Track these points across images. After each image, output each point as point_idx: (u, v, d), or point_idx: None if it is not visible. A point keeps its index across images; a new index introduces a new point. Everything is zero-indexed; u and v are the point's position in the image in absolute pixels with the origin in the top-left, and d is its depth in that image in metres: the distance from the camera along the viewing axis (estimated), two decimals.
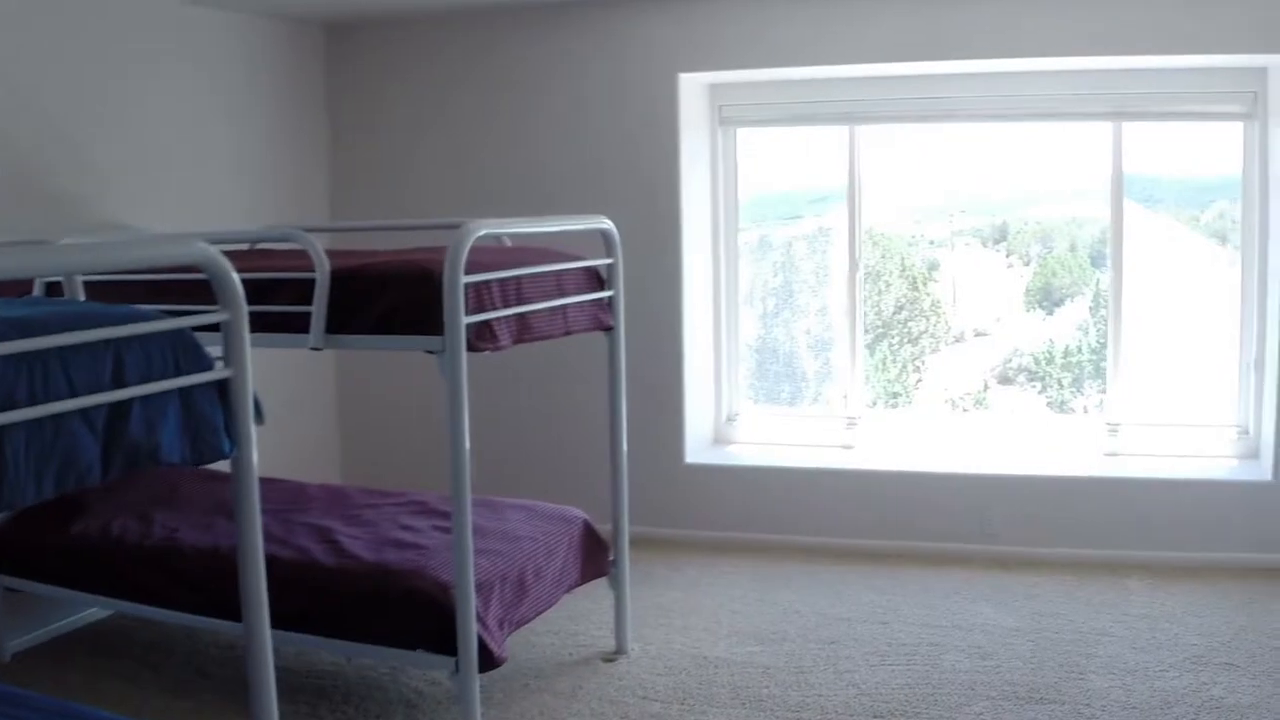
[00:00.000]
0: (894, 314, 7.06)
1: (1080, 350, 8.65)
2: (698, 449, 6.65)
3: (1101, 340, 6.77)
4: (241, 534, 2.50)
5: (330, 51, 6.78)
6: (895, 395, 7.04)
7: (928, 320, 7.23)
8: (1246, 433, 6.15)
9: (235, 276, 2.35)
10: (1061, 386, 8.02)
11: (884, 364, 7.56)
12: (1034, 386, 7.18)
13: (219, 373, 2.36)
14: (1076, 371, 7.15)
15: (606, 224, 4.79)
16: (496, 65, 6.51)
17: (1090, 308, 7.09)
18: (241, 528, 2.50)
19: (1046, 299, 7.23)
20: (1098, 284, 6.82)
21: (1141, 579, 5.83)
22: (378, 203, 6.70)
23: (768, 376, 7.07)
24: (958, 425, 6.93)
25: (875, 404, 7.09)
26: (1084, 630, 5.22)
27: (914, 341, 7.16)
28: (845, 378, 6.82)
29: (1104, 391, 6.74)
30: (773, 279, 7.14)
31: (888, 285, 7.04)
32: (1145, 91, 6.00)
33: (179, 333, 2.28)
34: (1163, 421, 6.39)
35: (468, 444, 3.92)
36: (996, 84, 6.21)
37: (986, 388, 7.26)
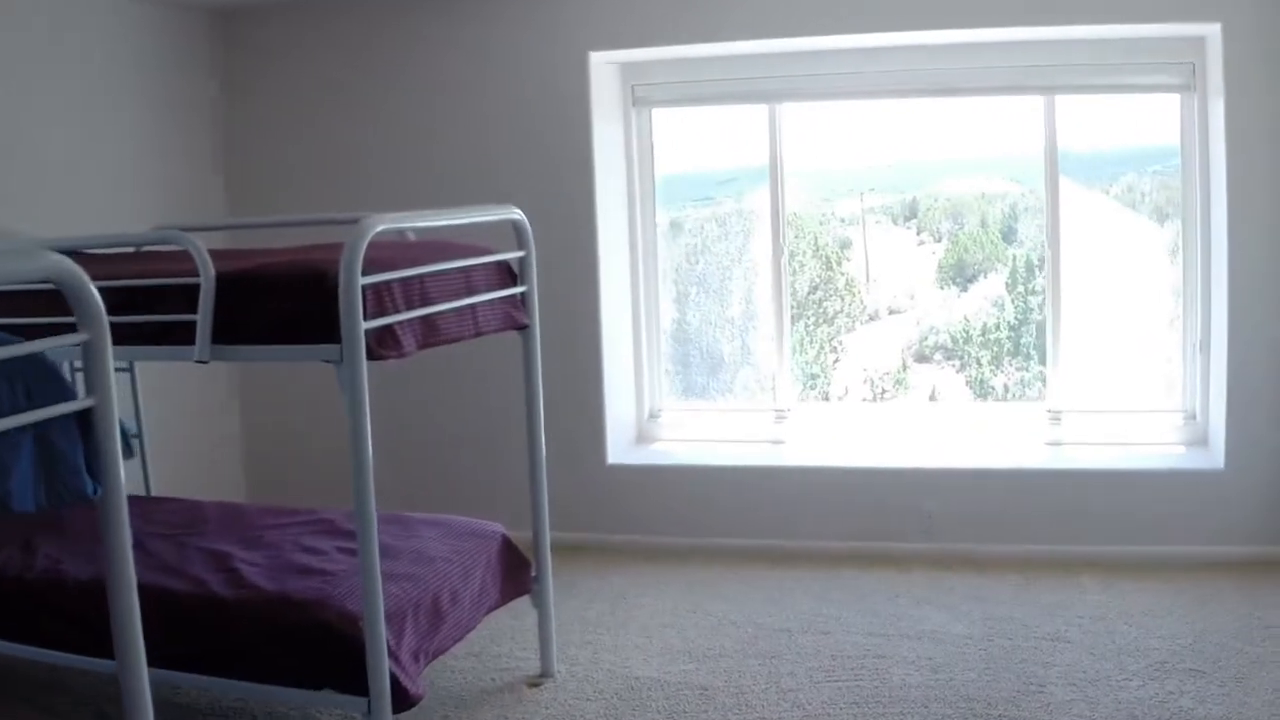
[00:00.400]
0: (809, 294, 6.91)
1: (999, 328, 8.76)
2: (620, 449, 6.37)
3: (1020, 317, 6.70)
4: (113, 583, 2.26)
5: (220, 39, 6.43)
6: (814, 377, 6.90)
7: (843, 300, 7.11)
8: (1194, 418, 5.92)
9: (94, 290, 2.07)
10: (980, 365, 8.00)
11: (801, 345, 7.54)
12: (952, 365, 7.10)
13: (78, 403, 2.06)
14: (995, 349, 7.06)
15: (517, 214, 4.43)
16: (397, 50, 6.22)
17: (1007, 284, 6.98)
18: (114, 580, 2.25)
19: (960, 275, 7.17)
20: (1014, 261, 6.73)
21: (1093, 576, 5.59)
22: (276, 198, 6.36)
23: (691, 369, 6.83)
24: (891, 415, 6.70)
25: (803, 392, 6.86)
26: (1038, 636, 4.94)
27: (830, 321, 7.03)
28: (773, 369, 6.59)
29: (1024, 369, 6.65)
30: (691, 266, 6.91)
31: (802, 266, 6.88)
32: (1079, 64, 5.80)
33: (31, 358, 1.99)
34: (1106, 408, 6.19)
35: (371, 460, 3.52)
36: (924, 58, 5.99)
37: (905, 367, 7.19)
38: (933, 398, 7.60)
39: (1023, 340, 6.69)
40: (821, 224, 7.05)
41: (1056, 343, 6.21)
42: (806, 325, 6.94)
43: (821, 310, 7.06)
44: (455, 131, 6.17)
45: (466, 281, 4.13)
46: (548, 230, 5.11)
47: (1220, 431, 5.61)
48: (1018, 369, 6.75)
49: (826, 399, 6.89)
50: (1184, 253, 5.90)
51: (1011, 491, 5.83)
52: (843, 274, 7.07)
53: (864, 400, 6.87)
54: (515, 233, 4.45)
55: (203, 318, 3.58)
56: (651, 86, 6.36)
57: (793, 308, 6.74)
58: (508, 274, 4.42)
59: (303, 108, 6.39)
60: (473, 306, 4.15)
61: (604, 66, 6.09)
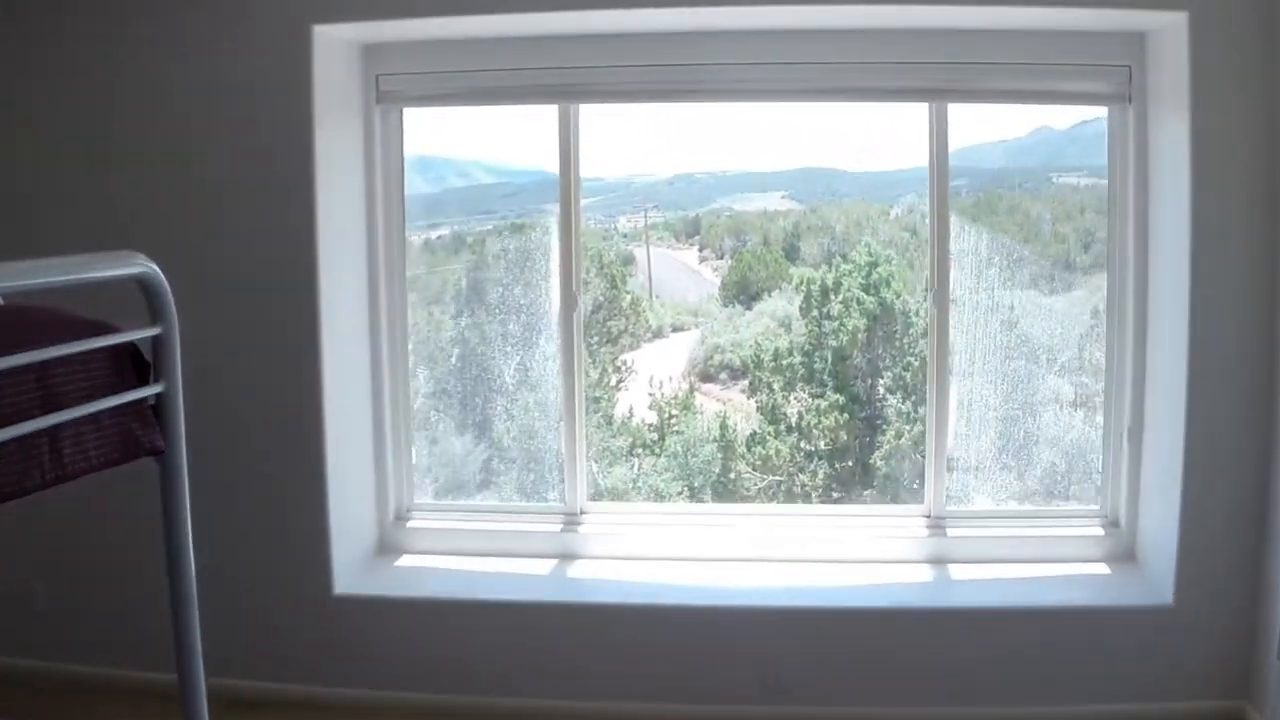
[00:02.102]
0: (593, 313, 6.42)
1: (791, 353, 7.99)
2: (352, 572, 4.80)
3: (813, 343, 6.45)
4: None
5: None
6: (596, 400, 6.47)
7: (627, 319, 6.85)
8: (1116, 525, 4.74)
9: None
10: (773, 390, 7.91)
11: (582, 368, 8.05)
12: (739, 386, 7.06)
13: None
14: (788, 375, 7.04)
15: (141, 267, 2.48)
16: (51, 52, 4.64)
17: (801, 308, 6.92)
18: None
19: (743, 294, 7.24)
20: (807, 283, 6.66)
21: None
22: None
23: (455, 451, 5.59)
24: (716, 519, 5.35)
25: (598, 493, 5.51)
26: None
27: (613, 341, 6.73)
28: (565, 455, 5.20)
29: (819, 397, 6.14)
30: (457, 312, 5.67)
31: (586, 284, 6.22)
32: (977, 62, 4.56)
33: None
34: (1002, 511, 4.96)
35: None
36: (775, 47, 4.66)
37: (692, 390, 7.30)
38: (724, 426, 7.37)
39: (815, 366, 6.54)
40: (605, 240, 6.61)
41: (940, 427, 4.90)
42: (590, 346, 6.42)
43: (605, 330, 6.69)
44: (137, 148, 4.62)
45: (40, 386, 2.29)
46: (252, 273, 4.48)
47: (1155, 545, 4.48)
48: (812, 396, 6.52)
49: (610, 421, 6.22)
50: (1108, 307, 4.74)
51: (886, 635, 4.50)
52: (627, 292, 6.74)
53: (650, 427, 6.54)
54: (145, 297, 2.52)
55: None
56: (402, 78, 4.88)
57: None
58: (129, 365, 2.55)
59: None
60: (52, 433, 2.31)
61: (336, 47, 4.57)
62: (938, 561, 4.83)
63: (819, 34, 4.54)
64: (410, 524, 5.12)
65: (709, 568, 4.90)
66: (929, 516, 4.91)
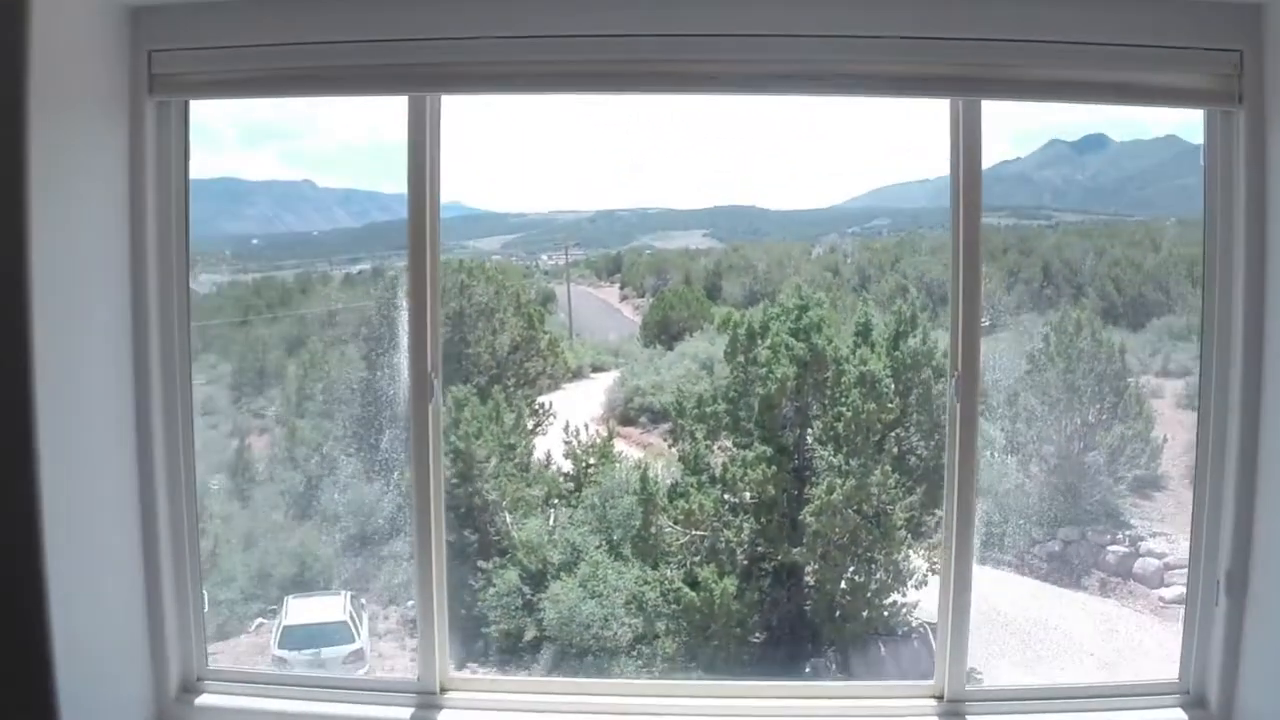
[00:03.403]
0: (509, 354, 6.77)
1: (715, 399, 7.85)
2: None
3: (739, 390, 6.57)
4: None
5: None
6: (511, 447, 6.85)
7: (544, 360, 7.06)
8: (1202, 705, 3.50)
9: None
10: (695, 439, 7.87)
11: (497, 412, 7.22)
12: (659, 431, 7.23)
13: None
14: (712, 423, 7.13)
15: None
16: None
17: (726, 353, 7.14)
18: None
19: (665, 333, 7.40)
20: (733, 323, 6.92)
21: None
22: None
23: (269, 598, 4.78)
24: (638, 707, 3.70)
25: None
26: None
27: (531, 383, 6.97)
28: (420, 617, 3.53)
29: (746, 448, 5.90)
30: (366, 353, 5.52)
31: (502, 324, 6.73)
32: (1021, 40, 3.12)
33: None
34: (1043, 690, 3.56)
35: None
36: (735, 16, 3.15)
37: (611, 436, 7.33)
38: (644, 478, 7.45)
39: (741, 415, 6.60)
40: (526, 277, 7.03)
41: (960, 574, 3.36)
42: (505, 389, 6.72)
43: (523, 371, 6.85)
44: None
45: None
46: None
47: None
48: (737, 446, 6.54)
49: (525, 469, 6.35)
50: (1202, 406, 3.32)
51: None
52: (546, 332, 6.94)
53: (566, 476, 6.77)
54: None
55: None
56: (185, 57, 3.32)
57: (491, 368, 5.72)
58: None
59: None
60: None
61: (77, 7, 3.05)
62: None
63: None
64: (202, 700, 3.49)
65: None
66: (941, 698, 3.45)
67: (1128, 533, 8.54)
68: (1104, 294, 12.91)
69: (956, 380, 3.26)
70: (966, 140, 3.25)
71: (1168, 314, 13.70)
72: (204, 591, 3.63)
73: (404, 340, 3.57)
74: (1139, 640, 7.19)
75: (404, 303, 3.52)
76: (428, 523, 3.44)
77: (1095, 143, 13.38)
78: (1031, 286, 16.47)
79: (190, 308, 3.52)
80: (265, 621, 7.62)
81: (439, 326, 3.55)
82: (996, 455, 9.02)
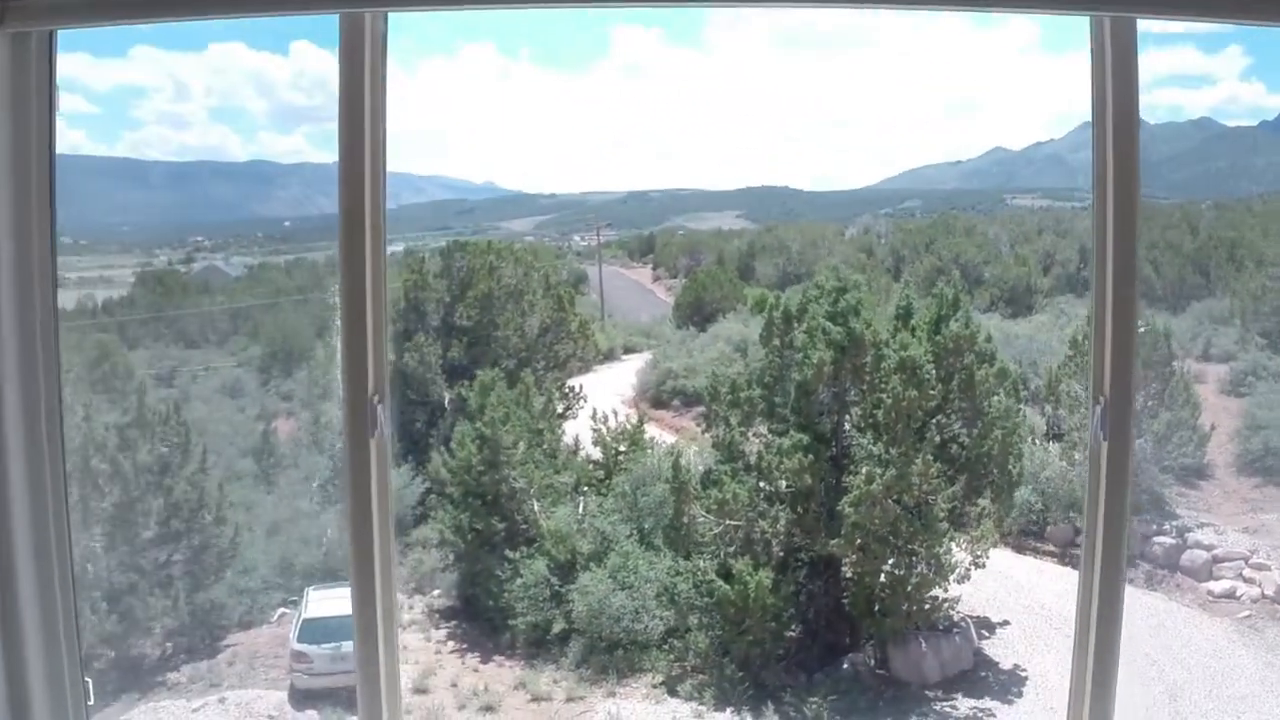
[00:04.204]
0: (539, 337, 6.66)
1: (750, 385, 7.73)
2: None
3: (774, 375, 6.42)
4: None
5: None
6: (539, 433, 6.79)
7: (575, 342, 6.93)
8: None
9: None
10: (730, 425, 7.75)
11: (526, 397, 7.08)
12: (691, 415, 7.05)
13: None
14: (746, 409, 6.91)
15: None
16: None
17: (762, 336, 6.96)
18: None
19: (698, 314, 7.48)
20: (769, 305, 6.75)
21: None
22: None
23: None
24: None
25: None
26: None
27: (561, 366, 6.89)
28: (361, 686, 2.62)
29: (782, 435, 6.01)
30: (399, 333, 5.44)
31: (531, 306, 6.63)
32: None
33: None
34: None
35: None
36: None
37: (642, 421, 7.23)
38: (676, 466, 7.26)
39: (777, 401, 6.45)
40: (559, 258, 7.54)
41: (1105, 667, 2.50)
42: (535, 372, 6.65)
43: (553, 354, 6.73)
44: None
45: None
46: None
47: None
48: (773, 433, 6.38)
49: (554, 455, 6.52)
50: None
51: None
52: (576, 315, 6.90)
53: (595, 464, 6.87)
54: None
55: None
56: None
57: (521, 351, 5.98)
58: None
59: None
60: None
61: None
62: None
63: None
64: None
65: None
66: None
67: (1174, 523, 8.34)
68: (1143, 277, 12.76)
69: (1102, 409, 2.24)
70: (1117, 77, 2.56)
71: (1208, 297, 13.58)
72: (87, 679, 2.65)
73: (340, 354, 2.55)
74: (1188, 636, 6.99)
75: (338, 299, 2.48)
76: (371, 585, 2.45)
77: None
78: (1068, 269, 16.29)
79: (57, 308, 2.47)
80: (287, 611, 7.50)
81: (384, 338, 2.51)
82: (1038, 442, 8.82)
